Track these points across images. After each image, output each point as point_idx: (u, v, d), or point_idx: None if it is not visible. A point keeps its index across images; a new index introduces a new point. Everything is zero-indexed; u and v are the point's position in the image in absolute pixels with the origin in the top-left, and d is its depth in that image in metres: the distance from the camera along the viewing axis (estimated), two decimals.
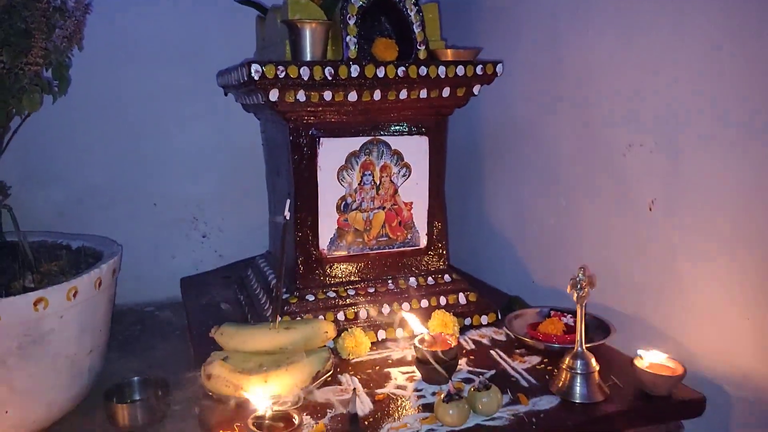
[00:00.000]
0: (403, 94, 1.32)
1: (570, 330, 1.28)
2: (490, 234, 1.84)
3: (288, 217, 1.10)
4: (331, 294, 1.36)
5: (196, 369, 1.18)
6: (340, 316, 1.34)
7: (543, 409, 1.04)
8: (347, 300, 1.36)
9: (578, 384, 1.06)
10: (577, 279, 1.06)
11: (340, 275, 1.39)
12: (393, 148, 1.38)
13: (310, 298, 1.34)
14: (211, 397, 1.08)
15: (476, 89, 1.38)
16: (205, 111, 2.03)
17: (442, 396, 1.00)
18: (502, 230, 1.79)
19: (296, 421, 0.95)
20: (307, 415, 1.02)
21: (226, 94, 1.67)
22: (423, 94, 1.33)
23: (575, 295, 1.07)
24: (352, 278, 1.40)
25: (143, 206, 2.04)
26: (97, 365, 1.38)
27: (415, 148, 1.40)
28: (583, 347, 1.08)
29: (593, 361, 1.07)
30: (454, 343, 1.15)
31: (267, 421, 0.95)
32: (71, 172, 1.92)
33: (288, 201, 1.13)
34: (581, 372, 1.06)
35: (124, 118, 1.95)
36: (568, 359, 1.08)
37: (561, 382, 1.08)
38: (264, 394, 1.03)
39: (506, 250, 1.76)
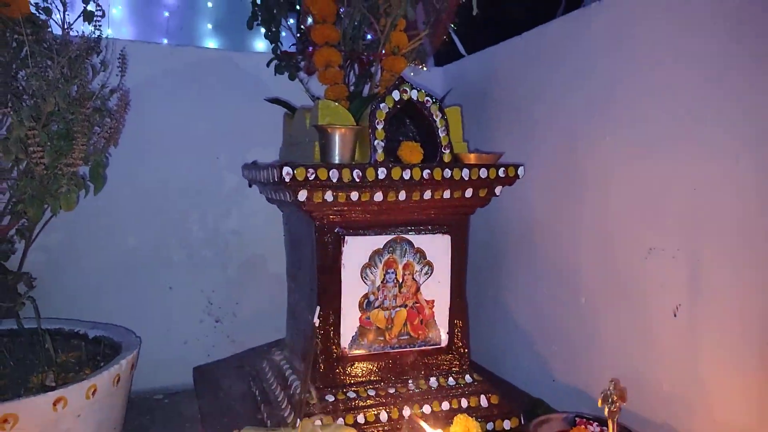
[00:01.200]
0: (427, 195, 1.34)
1: None
2: (508, 330, 1.82)
3: (317, 324, 1.09)
4: (351, 394, 1.33)
5: None
6: (360, 418, 1.30)
7: None
8: (367, 401, 1.33)
9: None
10: (608, 392, 1.04)
11: (360, 374, 1.37)
12: (416, 246, 1.39)
13: (330, 398, 1.31)
14: None
15: (498, 190, 1.41)
16: (224, 199, 2.06)
17: None
18: (520, 327, 1.77)
19: None
20: None
21: (250, 186, 1.70)
22: (446, 194, 1.36)
23: (606, 409, 1.04)
24: (373, 378, 1.38)
25: (158, 290, 2.04)
26: None
27: (438, 247, 1.41)
28: None
29: None
30: None
31: None
32: (88, 255, 1.93)
33: (318, 307, 1.13)
34: None
35: (143, 204, 1.98)
36: None
37: None
38: None
39: (525, 348, 1.74)
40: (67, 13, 1.28)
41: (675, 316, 1.26)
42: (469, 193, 1.38)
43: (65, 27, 1.29)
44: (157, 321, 2.02)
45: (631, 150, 1.36)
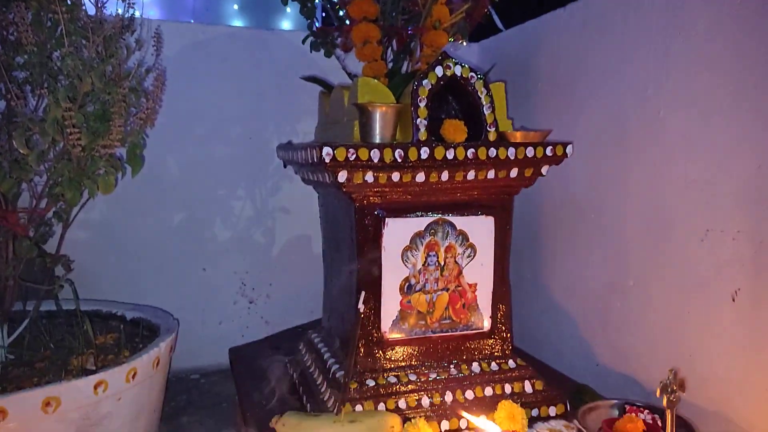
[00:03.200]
0: (471, 175, 1.29)
1: (649, 429, 1.20)
2: (550, 313, 1.77)
3: (361, 310, 1.06)
4: (392, 379, 1.30)
5: None
6: (401, 403, 1.28)
7: None
8: (408, 386, 1.30)
9: None
10: (668, 381, 0.99)
11: (400, 359, 1.34)
12: (458, 228, 1.34)
13: (371, 383, 1.29)
14: None
15: (545, 170, 1.35)
16: (257, 176, 2.04)
17: None
18: (563, 310, 1.72)
19: None
20: None
21: (285, 167, 1.67)
22: (491, 174, 1.31)
23: (665, 399, 0.99)
24: (413, 362, 1.34)
25: (193, 271, 2.04)
26: None
27: (481, 229, 1.36)
28: None
29: None
30: None
31: None
32: (124, 236, 1.93)
33: (362, 293, 1.09)
34: None
35: (179, 184, 1.97)
36: None
37: None
38: None
39: (567, 331, 1.69)
40: None
41: (734, 300, 1.19)
42: (514, 173, 1.32)
43: (98, 5, 1.26)
44: (192, 301, 2.02)
45: (688, 125, 1.28)
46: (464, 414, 1.19)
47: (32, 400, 1.03)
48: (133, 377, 1.19)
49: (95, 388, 1.11)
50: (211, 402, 1.83)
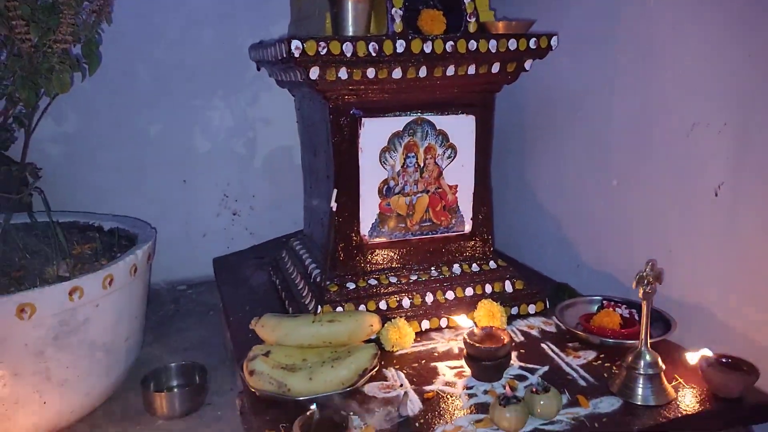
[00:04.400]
0: (450, 71, 1.23)
1: (626, 323, 1.21)
2: (532, 214, 1.76)
3: (334, 208, 1.03)
4: (372, 282, 1.30)
5: (235, 359, 1.14)
6: (382, 305, 1.28)
7: (605, 412, 0.97)
8: (389, 288, 1.30)
9: (642, 385, 0.99)
10: (644, 274, 0.99)
11: (381, 262, 1.33)
12: (438, 128, 1.30)
13: (351, 285, 1.29)
14: (253, 393, 1.03)
15: (528, 64, 1.29)
16: (235, 85, 1.96)
17: (499, 398, 0.94)
18: (545, 211, 1.71)
19: (347, 426, 0.90)
20: (353, 414, 0.97)
21: (258, 69, 1.59)
22: (471, 70, 1.24)
23: (641, 291, 0.99)
24: (394, 265, 1.34)
25: (173, 184, 2.00)
26: (133, 352, 1.35)
27: (461, 128, 1.32)
28: (648, 346, 1.01)
29: (659, 360, 1.00)
30: (506, 339, 1.09)
31: (314, 424, 0.91)
32: (100, 148, 1.88)
33: (335, 190, 1.06)
34: (646, 373, 0.99)
35: (152, 93, 1.89)
36: (631, 358, 1.02)
37: (623, 383, 1.01)
38: (309, 392, 0.99)
39: (549, 232, 1.69)
40: None
41: (716, 195, 1.17)
42: (496, 68, 1.26)
43: None
44: (174, 215, 2.00)
45: (678, 12, 1.21)
46: (452, 317, 1.20)
47: (7, 306, 1.03)
48: (110, 284, 1.17)
49: (70, 294, 1.10)
50: (198, 311, 1.85)
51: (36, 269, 1.26)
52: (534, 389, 0.96)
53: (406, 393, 1.02)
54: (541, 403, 0.94)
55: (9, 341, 1.05)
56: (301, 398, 0.99)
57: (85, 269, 1.26)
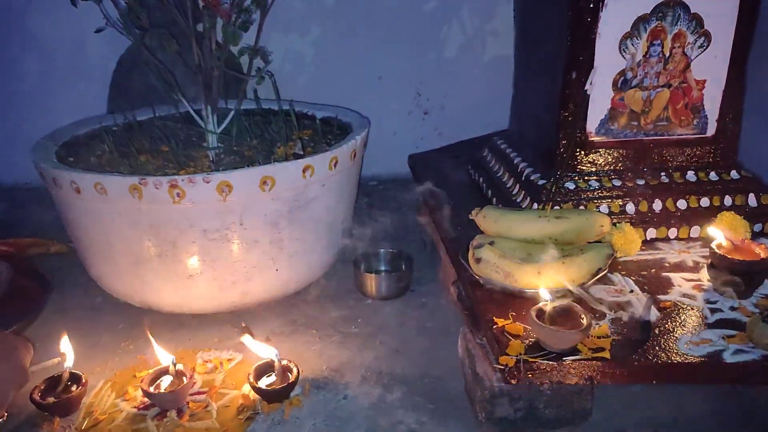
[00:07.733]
0: None
1: None
2: None
3: (589, 92, 0.94)
4: (594, 183, 1.21)
5: (443, 251, 1.14)
6: (603, 209, 1.19)
7: None
8: (612, 191, 1.20)
9: None
10: None
11: (605, 163, 1.23)
12: (692, 11, 1.12)
13: (570, 186, 1.21)
14: (476, 282, 1.03)
15: None
16: None
17: (762, 314, 0.84)
18: None
19: (584, 321, 0.86)
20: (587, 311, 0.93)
21: None
22: None
23: None
24: (619, 167, 1.23)
25: (369, 80, 2.01)
26: (346, 235, 1.41)
27: (721, 12, 1.13)
28: None
29: None
30: (764, 255, 0.96)
31: (549, 315, 0.88)
32: (304, 41, 1.93)
33: (593, 70, 0.97)
34: None
35: None
36: None
37: None
38: (536, 286, 0.96)
39: None
40: None
41: None
42: None
43: None
44: (368, 111, 2.01)
45: None
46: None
47: (252, 177, 1.10)
48: (335, 165, 1.21)
49: (303, 171, 1.15)
50: (391, 206, 1.90)
51: (265, 149, 1.34)
52: None
53: (650, 297, 0.95)
54: None
55: (251, 210, 1.13)
56: (528, 290, 0.97)
57: (310, 152, 1.32)
